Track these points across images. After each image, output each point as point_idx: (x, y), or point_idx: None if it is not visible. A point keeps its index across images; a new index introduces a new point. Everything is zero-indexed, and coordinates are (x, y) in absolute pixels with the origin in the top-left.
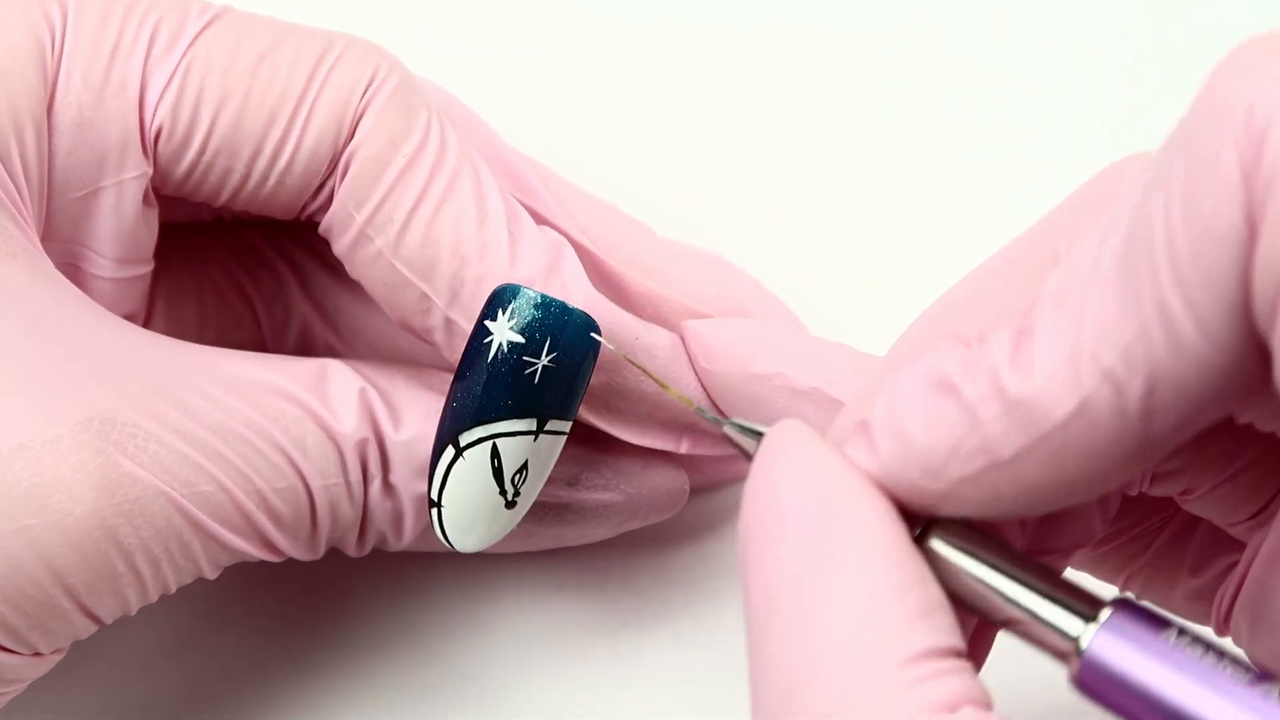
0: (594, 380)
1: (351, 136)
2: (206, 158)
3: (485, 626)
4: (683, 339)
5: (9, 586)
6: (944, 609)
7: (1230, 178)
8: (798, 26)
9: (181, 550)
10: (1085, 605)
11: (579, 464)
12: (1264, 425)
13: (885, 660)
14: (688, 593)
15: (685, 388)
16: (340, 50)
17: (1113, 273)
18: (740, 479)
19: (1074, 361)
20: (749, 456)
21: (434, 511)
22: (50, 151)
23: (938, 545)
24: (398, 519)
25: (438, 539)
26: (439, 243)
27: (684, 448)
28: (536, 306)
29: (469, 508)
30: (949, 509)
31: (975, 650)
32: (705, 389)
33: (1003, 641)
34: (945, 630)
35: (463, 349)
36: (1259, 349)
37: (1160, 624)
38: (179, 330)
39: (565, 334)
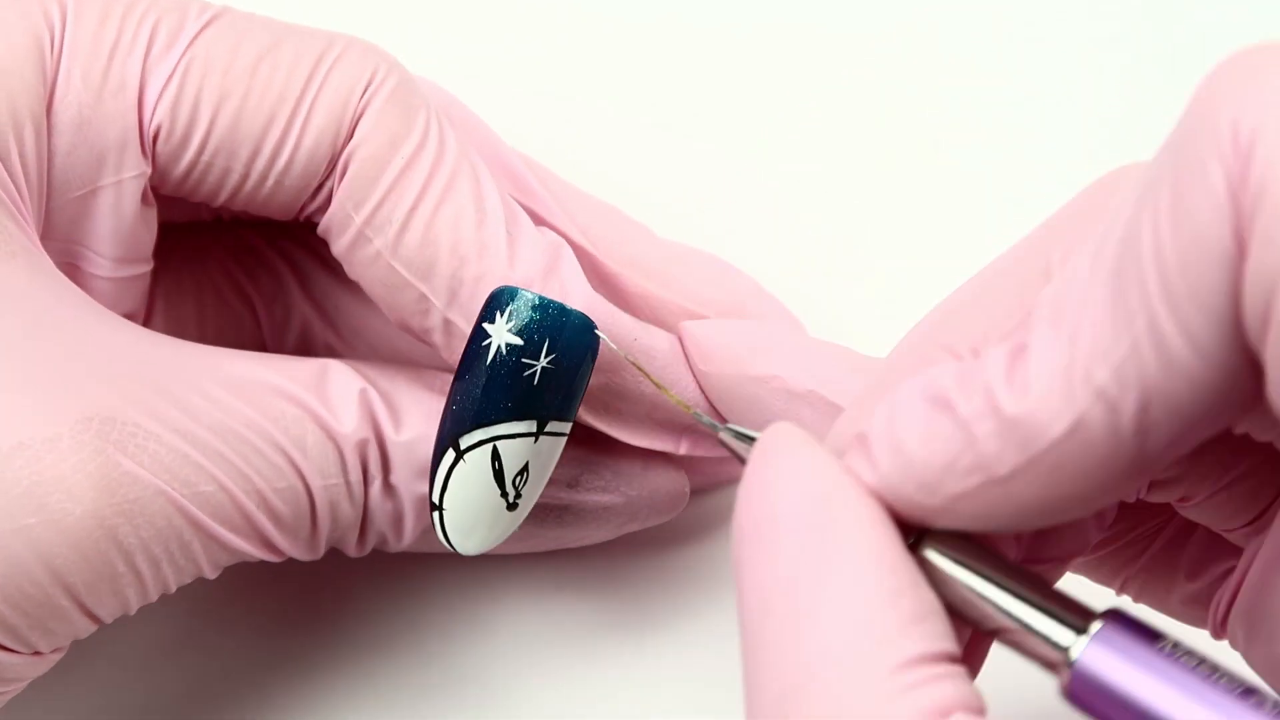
0: (593, 381)
1: (350, 137)
2: (205, 157)
3: (485, 627)
4: (680, 340)
5: (9, 586)
6: (937, 615)
7: (1217, 194)
8: (798, 26)
9: (181, 550)
10: (1077, 616)
11: (579, 466)
12: (1260, 435)
13: (878, 665)
14: (688, 593)
15: (683, 389)
16: (339, 51)
17: (1105, 289)
18: (739, 479)
19: (1068, 379)
20: (744, 461)
21: (435, 515)
22: (49, 151)
23: (931, 554)
24: (398, 520)
25: (438, 540)
26: (437, 243)
27: (683, 449)
28: (534, 308)
29: (470, 510)
30: (945, 522)
31: (971, 656)
32: (703, 390)
33: (999, 647)
34: (939, 636)
35: (461, 350)
36: (1252, 364)
37: (1152, 636)
38: (178, 330)
39: (564, 335)
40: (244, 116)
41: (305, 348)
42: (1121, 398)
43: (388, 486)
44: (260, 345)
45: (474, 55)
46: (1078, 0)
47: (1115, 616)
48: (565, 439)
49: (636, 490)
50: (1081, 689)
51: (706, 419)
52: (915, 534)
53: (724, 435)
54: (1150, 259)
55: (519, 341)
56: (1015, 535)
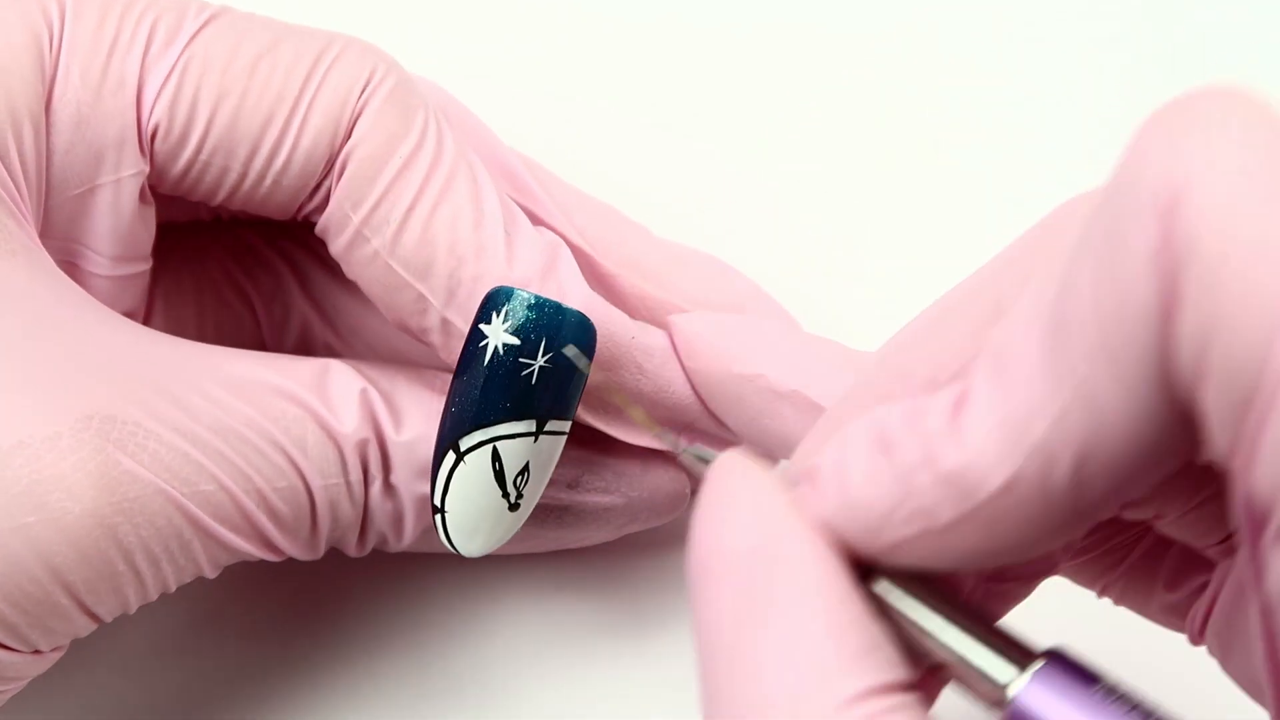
0: (590, 381)
1: (348, 136)
2: (203, 156)
3: (485, 627)
4: (669, 333)
5: (8, 584)
6: (886, 645)
7: (1143, 255)
8: (798, 26)
9: (181, 549)
10: (1018, 655)
11: (580, 466)
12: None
13: (827, 701)
14: (688, 594)
15: (679, 388)
16: (338, 50)
17: (1040, 345)
18: None
19: (1004, 435)
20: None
21: (437, 517)
22: (48, 149)
23: (880, 587)
24: (398, 520)
25: (439, 541)
26: (435, 243)
27: (681, 446)
28: (530, 307)
29: (472, 512)
30: (891, 562)
31: (929, 682)
32: (693, 386)
33: None
34: (887, 666)
35: (459, 349)
36: (1188, 419)
37: (1090, 678)
38: (178, 330)
39: (561, 333)
40: (242, 115)
41: (305, 347)
42: (1057, 454)
43: (388, 486)
44: (260, 344)
45: (474, 55)
46: (1078, 0)
47: (1055, 657)
48: (565, 438)
49: (637, 491)
50: None
51: (670, 438)
52: (865, 566)
53: (685, 458)
54: (1082, 318)
55: (516, 341)
56: None
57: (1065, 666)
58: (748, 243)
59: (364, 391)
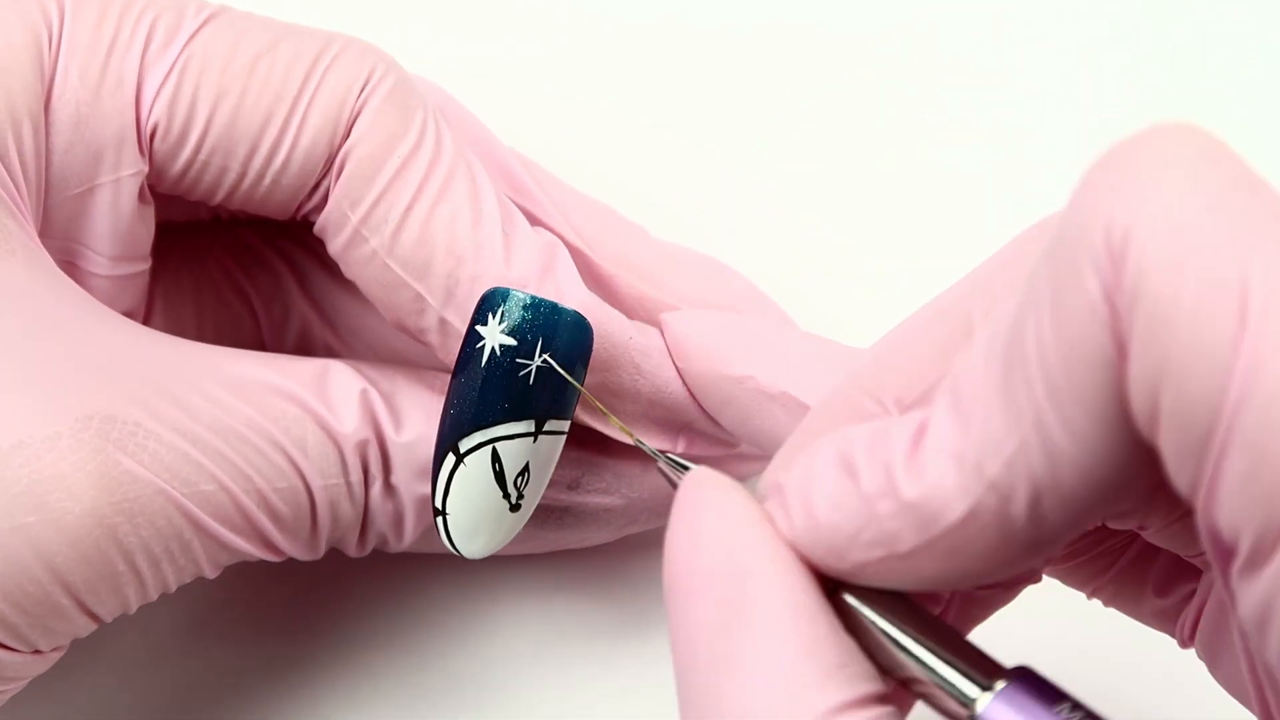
0: (588, 380)
1: (347, 136)
2: (202, 156)
3: (485, 628)
4: (660, 331)
5: (8, 584)
6: (858, 659)
7: (1093, 298)
8: (798, 26)
9: (181, 549)
10: (984, 673)
11: (580, 467)
12: None
13: (804, 716)
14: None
15: (677, 388)
16: (337, 50)
17: (996, 382)
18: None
19: (961, 469)
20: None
21: (439, 520)
22: (48, 148)
23: (851, 600)
24: (398, 520)
25: (440, 541)
26: (433, 243)
27: (680, 447)
28: (526, 308)
29: (473, 513)
30: (857, 582)
31: (902, 695)
32: (686, 386)
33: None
34: (860, 679)
35: (457, 349)
36: (1147, 453)
37: (1054, 698)
38: (177, 329)
39: (557, 333)
40: (241, 115)
41: (304, 347)
42: (1013, 489)
43: (388, 487)
44: (259, 344)
45: (474, 55)
46: (1078, 0)
47: (1022, 676)
48: (564, 437)
49: (637, 492)
50: None
51: (648, 447)
52: (835, 581)
53: (662, 465)
54: (1034, 361)
55: (512, 342)
56: None
57: (1031, 685)
58: (747, 243)
59: (364, 392)
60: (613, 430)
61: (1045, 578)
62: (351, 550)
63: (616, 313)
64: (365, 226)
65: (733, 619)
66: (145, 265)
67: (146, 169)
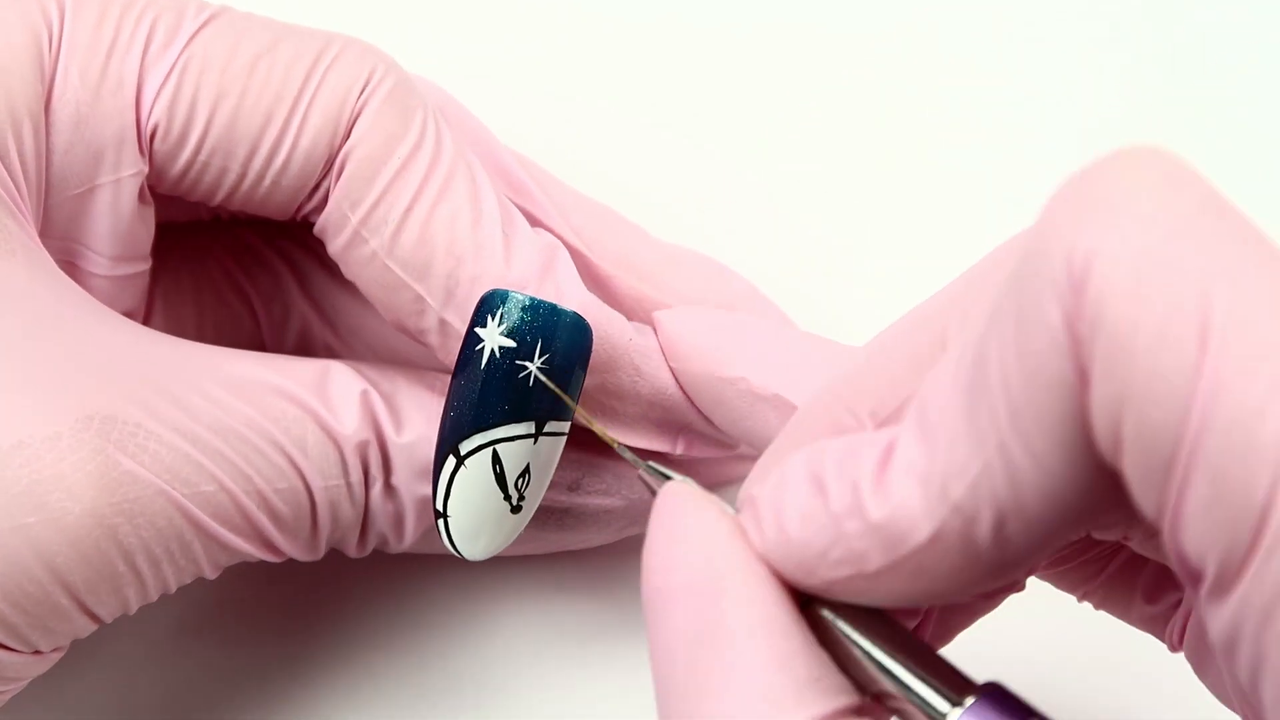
0: (588, 382)
1: (347, 137)
2: (202, 157)
3: (486, 628)
4: (654, 329)
5: (8, 584)
6: (832, 673)
7: (1054, 326)
8: (798, 26)
9: (182, 550)
10: (955, 689)
11: (580, 469)
12: None
13: None
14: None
15: (677, 389)
16: (337, 51)
17: (960, 406)
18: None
19: (927, 491)
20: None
21: (440, 522)
22: (48, 149)
23: (823, 613)
24: (399, 521)
25: (439, 542)
26: (433, 243)
27: (680, 449)
28: (525, 309)
29: (474, 515)
30: (828, 596)
31: (878, 708)
32: (680, 385)
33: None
34: (835, 692)
35: (457, 350)
36: (1112, 477)
37: (1023, 714)
38: (178, 329)
39: (557, 334)
40: (241, 115)
41: (304, 347)
42: (977, 512)
43: (389, 488)
44: (259, 344)
45: (474, 55)
46: (1078, 0)
47: (992, 691)
48: (564, 438)
49: (637, 493)
50: None
51: (629, 455)
52: (808, 595)
53: (643, 474)
54: (997, 386)
55: (512, 344)
56: None
57: (1001, 701)
58: (747, 243)
59: (365, 393)
60: (617, 432)
61: (1037, 580)
62: (352, 551)
63: (617, 314)
64: (365, 227)
65: (707, 632)
66: (145, 265)
67: (146, 169)
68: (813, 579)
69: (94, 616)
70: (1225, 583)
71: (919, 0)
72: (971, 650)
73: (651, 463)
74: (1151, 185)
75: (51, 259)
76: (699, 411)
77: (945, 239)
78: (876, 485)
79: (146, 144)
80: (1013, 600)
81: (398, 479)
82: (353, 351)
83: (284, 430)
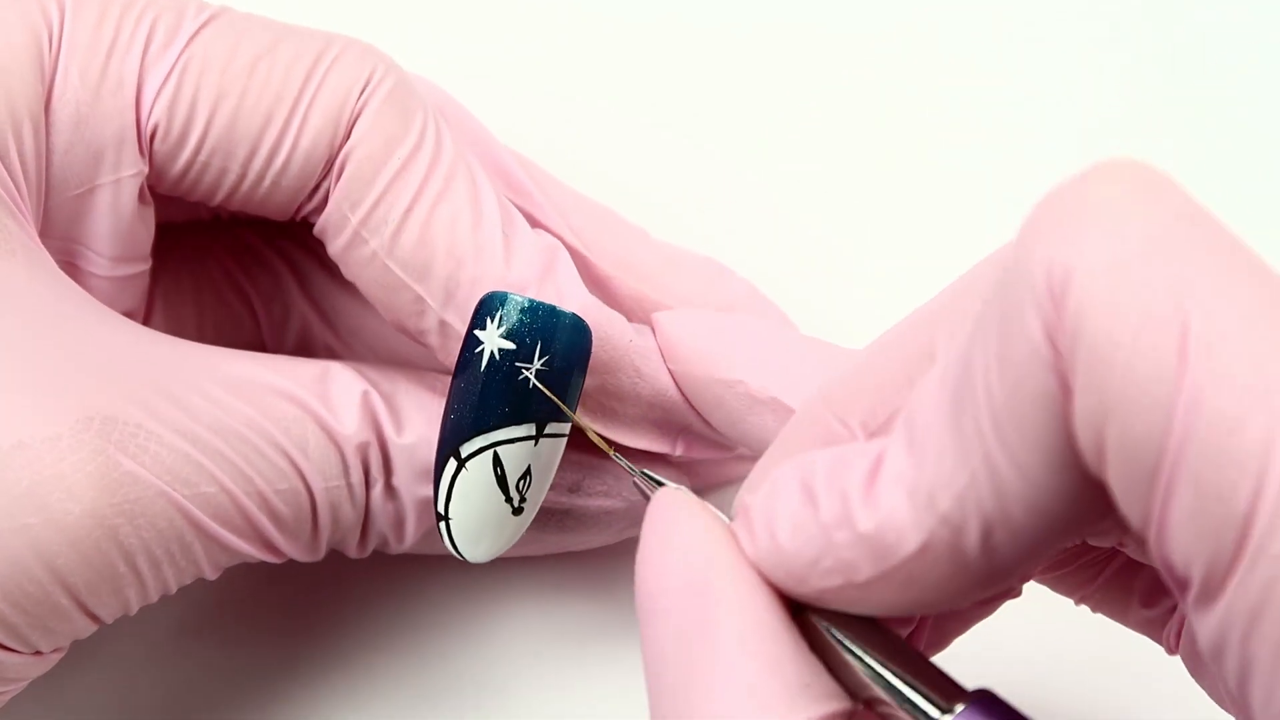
0: (587, 383)
1: (347, 138)
2: (202, 157)
3: (486, 629)
4: (653, 330)
5: (9, 585)
6: (823, 678)
7: (1036, 338)
8: (798, 26)
9: (182, 551)
10: (945, 695)
11: (581, 470)
12: None
13: None
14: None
15: (677, 391)
16: (337, 51)
17: (946, 417)
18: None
19: (915, 502)
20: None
21: (442, 525)
22: (48, 149)
23: (814, 620)
24: (399, 522)
25: (440, 543)
26: (433, 244)
27: (679, 450)
28: (524, 311)
29: (476, 518)
30: (819, 605)
31: (870, 715)
32: (678, 386)
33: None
34: (825, 697)
35: (457, 351)
36: (1097, 487)
37: None
38: (178, 329)
39: (556, 336)
40: (241, 116)
41: (304, 347)
42: (965, 523)
43: (389, 489)
44: (259, 344)
45: (474, 55)
46: (1078, 0)
47: (982, 698)
48: (565, 440)
49: (637, 495)
50: None
51: (624, 462)
52: (800, 601)
53: (637, 479)
54: (981, 398)
55: (511, 346)
56: None
57: (991, 708)
58: (747, 243)
59: (365, 394)
60: (618, 433)
61: (1035, 583)
62: (352, 552)
63: (617, 315)
64: (365, 228)
65: (698, 636)
66: (145, 266)
67: (146, 170)
68: (804, 588)
69: (94, 617)
70: (1211, 590)
71: (919, 0)
72: (971, 652)
73: (645, 470)
74: (1129, 197)
75: (52, 259)
76: (698, 413)
77: (945, 239)
78: (865, 496)
79: (146, 144)
80: (1011, 602)
81: (398, 480)
82: (353, 352)
83: (285, 431)
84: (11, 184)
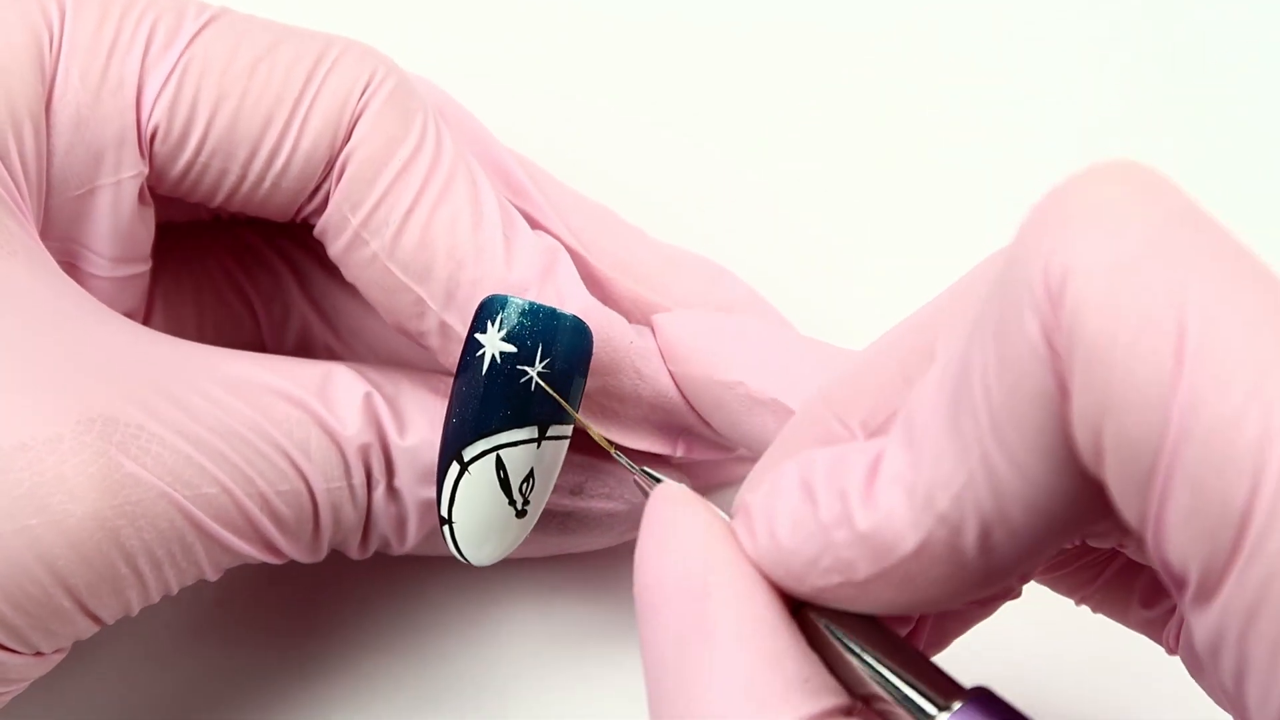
0: (589, 385)
1: (348, 139)
2: (202, 158)
3: (487, 630)
4: (652, 332)
5: (10, 586)
6: (821, 673)
7: (1033, 338)
8: (798, 26)
9: (183, 552)
10: (943, 693)
11: (583, 472)
12: None
13: None
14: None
15: (672, 388)
16: (337, 53)
17: (944, 419)
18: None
19: (912, 503)
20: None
21: (446, 529)
22: (48, 150)
23: (814, 617)
24: (401, 523)
25: (441, 544)
26: (434, 246)
27: (680, 451)
28: (524, 314)
29: (480, 521)
30: (818, 603)
31: (869, 712)
32: (678, 388)
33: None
34: (824, 692)
35: (457, 353)
36: (1095, 486)
37: (1010, 719)
38: (178, 330)
39: (557, 338)
40: (241, 117)
41: (304, 347)
42: (962, 523)
43: (391, 490)
44: (259, 345)
45: (474, 55)
46: (1078, 0)
47: (979, 696)
48: (568, 442)
49: (640, 497)
50: None
51: (624, 460)
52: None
53: (637, 478)
54: (979, 398)
55: (512, 349)
56: None
57: (989, 706)
58: (747, 243)
59: (368, 395)
60: (620, 434)
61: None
62: (354, 553)
63: (618, 316)
64: (366, 229)
65: (695, 631)
66: (145, 266)
67: (146, 171)
68: (803, 586)
69: (95, 618)
70: (1208, 589)
71: (919, 0)
72: (971, 652)
73: (646, 468)
74: (1126, 198)
75: (53, 260)
76: (698, 414)
77: (945, 239)
78: (864, 495)
79: (147, 145)
80: (1011, 602)
81: (400, 481)
82: (353, 353)
83: (286, 433)
84: (12, 184)
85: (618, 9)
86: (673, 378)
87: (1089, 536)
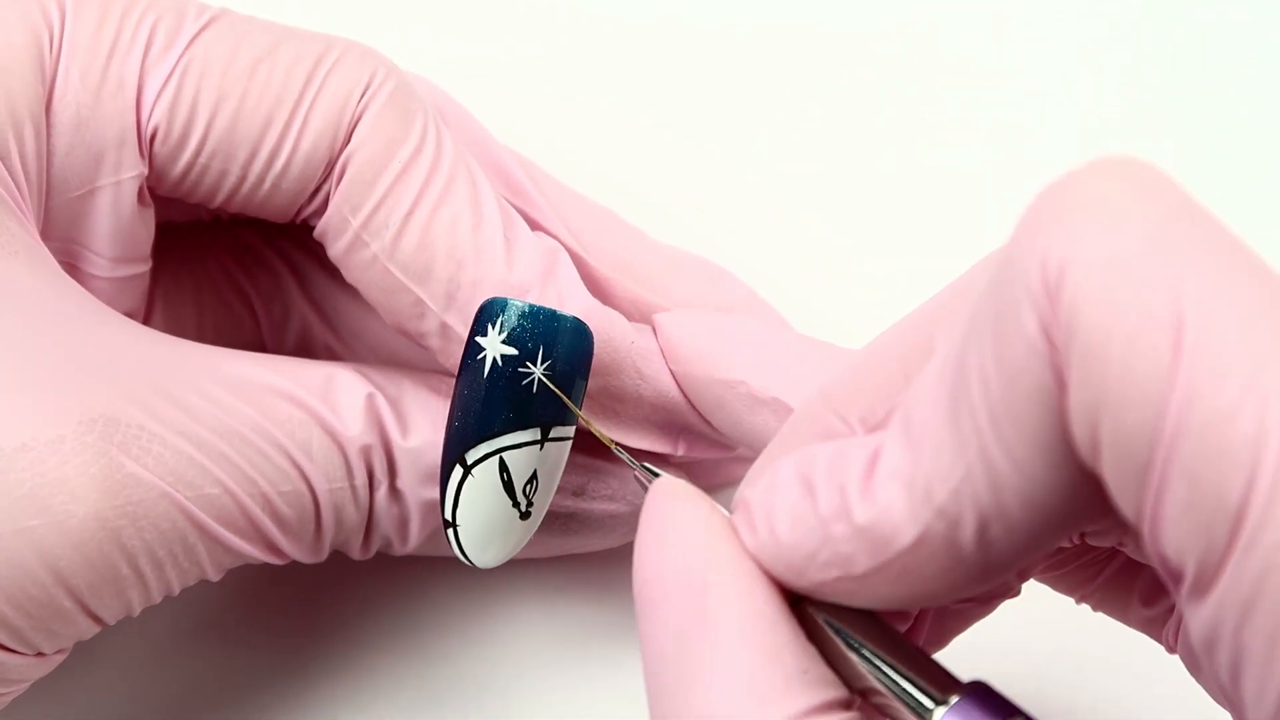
0: (590, 385)
1: (348, 140)
2: (202, 159)
3: (489, 631)
4: (653, 331)
5: (11, 587)
6: (820, 667)
7: (1031, 333)
8: (798, 26)
9: (185, 552)
10: (941, 687)
11: (585, 474)
12: None
13: None
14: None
15: (678, 391)
16: (338, 54)
17: (943, 411)
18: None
19: (911, 495)
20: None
21: (450, 531)
22: (49, 150)
23: (812, 611)
24: (403, 524)
25: (443, 544)
26: (434, 247)
27: (680, 450)
28: (525, 316)
29: (484, 524)
30: (817, 597)
31: (868, 706)
32: (680, 387)
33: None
34: (823, 685)
35: (458, 354)
36: (1093, 481)
37: (1008, 713)
38: (178, 330)
39: (558, 340)
40: (241, 118)
41: (305, 348)
42: (960, 517)
43: (394, 491)
44: (259, 345)
45: (474, 55)
46: (1078, 0)
47: (977, 690)
48: (570, 443)
49: (642, 498)
50: None
51: (625, 455)
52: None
53: (637, 473)
54: (977, 392)
55: (513, 351)
56: None
57: (986, 700)
58: (747, 243)
59: (370, 397)
60: (621, 435)
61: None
62: (356, 553)
63: (619, 316)
64: (366, 231)
65: (695, 625)
66: (145, 267)
67: (147, 171)
68: (802, 580)
69: (97, 619)
70: (1204, 583)
71: (919, 0)
72: (971, 651)
73: (647, 464)
74: (1124, 193)
75: (54, 260)
76: (699, 414)
77: (945, 239)
78: (863, 489)
79: (147, 146)
80: (1011, 601)
81: (403, 482)
82: (354, 353)
83: (288, 433)
84: (13, 185)
85: (618, 9)
86: (674, 377)
87: (1087, 533)
